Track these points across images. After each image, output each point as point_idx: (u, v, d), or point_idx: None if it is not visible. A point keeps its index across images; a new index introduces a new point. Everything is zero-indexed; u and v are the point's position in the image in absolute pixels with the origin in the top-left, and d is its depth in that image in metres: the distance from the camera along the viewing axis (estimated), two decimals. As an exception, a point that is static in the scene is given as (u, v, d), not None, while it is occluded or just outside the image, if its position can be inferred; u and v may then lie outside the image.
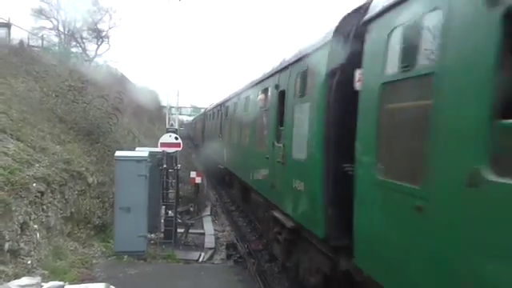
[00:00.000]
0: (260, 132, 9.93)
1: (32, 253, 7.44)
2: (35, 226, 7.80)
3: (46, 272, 7.31)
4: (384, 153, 4.41)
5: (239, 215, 15.57)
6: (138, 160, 9.78)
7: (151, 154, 10.54)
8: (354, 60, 5.08)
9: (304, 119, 6.57)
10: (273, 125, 8.53)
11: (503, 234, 2.76)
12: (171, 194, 11.48)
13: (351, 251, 5.00)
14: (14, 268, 6.71)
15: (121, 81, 27.64)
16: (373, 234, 4.62)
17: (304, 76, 6.83)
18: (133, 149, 12.67)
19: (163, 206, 11.18)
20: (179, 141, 11.28)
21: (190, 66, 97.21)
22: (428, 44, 3.74)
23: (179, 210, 12.20)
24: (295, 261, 7.68)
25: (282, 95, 8.01)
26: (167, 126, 12.32)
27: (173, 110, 13.22)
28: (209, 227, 13.27)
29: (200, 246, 11.13)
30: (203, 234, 12.36)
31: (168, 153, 11.16)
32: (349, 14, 5.68)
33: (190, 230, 11.65)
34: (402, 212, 4.00)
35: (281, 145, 7.77)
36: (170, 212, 11.04)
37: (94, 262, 8.89)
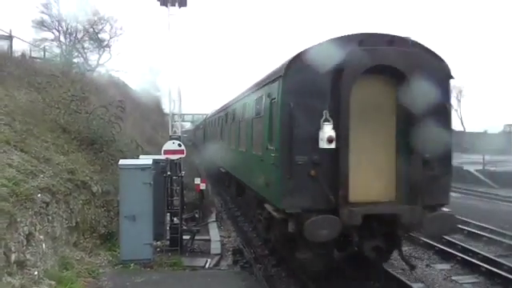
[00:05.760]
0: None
1: (38, 263, 7.42)
2: (41, 237, 7.79)
3: (53, 282, 7.30)
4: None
5: (245, 221, 15.54)
6: (142, 168, 9.79)
7: (155, 161, 10.54)
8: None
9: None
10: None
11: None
12: (176, 201, 11.46)
13: None
14: (21, 279, 6.69)
15: (123, 89, 27.73)
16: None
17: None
18: (136, 157, 12.67)
19: (168, 214, 11.14)
20: (182, 147, 11.27)
21: (192, 72, 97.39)
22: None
23: (184, 216, 12.16)
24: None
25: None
26: (170, 134, 12.33)
27: (175, 117, 13.23)
28: (214, 233, 13.23)
29: (206, 253, 11.09)
30: (209, 240, 12.33)
31: (172, 160, 11.16)
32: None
33: (196, 237, 11.61)
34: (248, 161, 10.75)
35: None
36: (175, 219, 11.02)
37: (101, 271, 8.87)
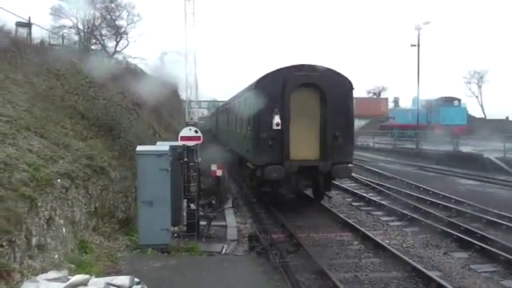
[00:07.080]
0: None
1: (58, 247, 7.58)
2: (61, 221, 7.94)
3: (73, 266, 7.45)
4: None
5: (260, 207, 15.59)
6: (159, 154, 9.86)
7: (172, 147, 10.59)
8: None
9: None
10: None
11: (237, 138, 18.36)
12: (193, 187, 11.53)
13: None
14: (42, 262, 6.85)
15: (140, 76, 27.85)
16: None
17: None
18: (154, 143, 12.77)
19: (185, 200, 11.24)
20: (199, 134, 11.30)
21: (210, 58, 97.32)
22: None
23: (201, 202, 12.25)
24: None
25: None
26: (187, 120, 12.37)
27: (192, 103, 13.26)
28: (231, 219, 13.32)
29: (222, 238, 11.17)
30: (225, 226, 12.41)
31: (188, 146, 11.20)
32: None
33: (213, 223, 11.70)
34: (239, 138, 17.66)
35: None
36: (192, 205, 11.10)
37: (119, 255, 9.02)
